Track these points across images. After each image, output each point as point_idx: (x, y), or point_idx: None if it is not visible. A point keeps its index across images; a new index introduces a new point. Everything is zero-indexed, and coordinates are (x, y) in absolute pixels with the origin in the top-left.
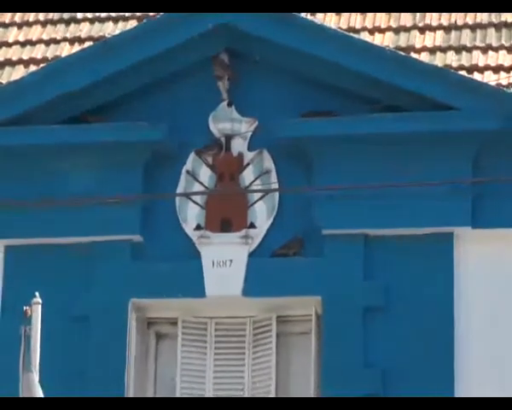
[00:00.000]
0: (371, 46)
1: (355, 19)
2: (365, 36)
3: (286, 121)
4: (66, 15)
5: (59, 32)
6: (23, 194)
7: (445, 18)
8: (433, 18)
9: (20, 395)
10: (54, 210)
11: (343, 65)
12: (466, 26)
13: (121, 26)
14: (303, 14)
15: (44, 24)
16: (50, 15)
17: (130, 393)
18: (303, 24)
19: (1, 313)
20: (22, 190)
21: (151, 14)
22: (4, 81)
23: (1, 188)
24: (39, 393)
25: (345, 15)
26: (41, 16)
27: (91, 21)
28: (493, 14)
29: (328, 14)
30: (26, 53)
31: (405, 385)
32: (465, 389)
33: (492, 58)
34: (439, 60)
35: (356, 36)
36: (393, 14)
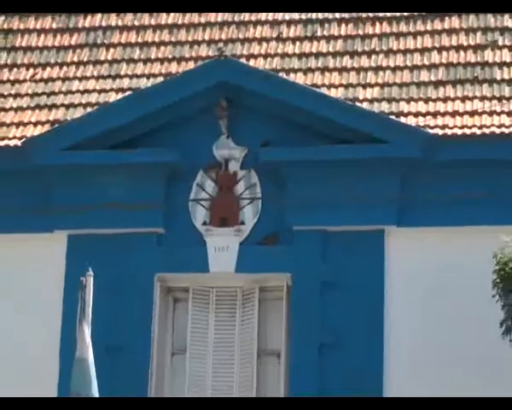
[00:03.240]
0: (328, 97)
1: (317, 77)
2: (324, 90)
3: (267, 149)
4: (113, 72)
5: (107, 84)
6: (81, 198)
7: (381, 77)
8: (372, 77)
9: (77, 339)
10: (102, 210)
11: (308, 110)
12: (395, 84)
13: (152, 81)
14: (280, 74)
15: (97, 78)
16: (102, 71)
17: (155, 340)
18: (280, 81)
19: (65, 283)
20: (81, 194)
21: (173, 71)
22: (69, 118)
23: (65, 194)
24: (88, 338)
25: (309, 75)
26: (95, 72)
27: (131, 77)
28: (415, 75)
29: (298, 74)
30: (84, 98)
31: (350, 337)
32: (392, 342)
33: (413, 107)
34: (375, 107)
35: (317, 89)
36: (344, 75)
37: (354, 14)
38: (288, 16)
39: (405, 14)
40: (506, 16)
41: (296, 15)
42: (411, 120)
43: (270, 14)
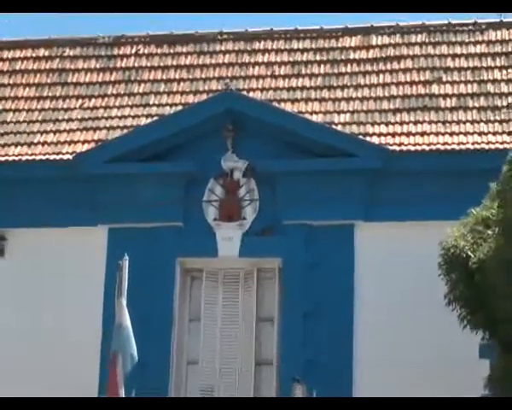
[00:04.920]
0: (310, 121)
1: (302, 106)
2: (307, 115)
3: (262, 162)
4: (143, 102)
5: (139, 111)
6: (119, 199)
7: (351, 106)
8: (344, 106)
9: (116, 309)
10: (135, 209)
11: (295, 131)
12: (362, 111)
13: (173, 109)
14: (273, 104)
15: (131, 107)
16: (135, 101)
17: (176, 309)
18: (273, 108)
19: (106, 266)
20: (119, 196)
21: (190, 101)
22: (109, 138)
23: (106, 196)
24: (125, 308)
25: (296, 104)
26: (129, 102)
27: (157, 106)
28: (377, 104)
29: (287, 103)
30: (121, 122)
31: (328, 307)
32: (360, 310)
33: (376, 129)
34: (347, 129)
35: (302, 115)
36: (323, 104)
37: (330, 57)
38: (279, 58)
39: (370, 56)
40: (449, 58)
41: (285, 57)
42: (375, 139)
43: (266, 57)
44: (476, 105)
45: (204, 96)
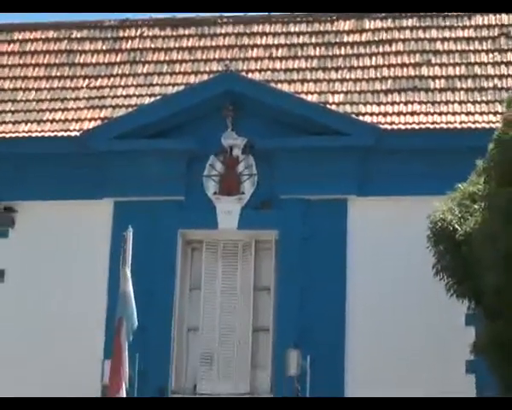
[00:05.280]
0: (306, 101)
1: (298, 87)
2: (303, 95)
3: (260, 139)
4: (147, 82)
5: (143, 91)
6: (124, 174)
7: (345, 87)
8: (338, 87)
9: (120, 278)
10: (139, 183)
11: (291, 110)
12: (355, 91)
13: (176, 89)
14: (270, 84)
15: (136, 86)
16: (139, 81)
17: (178, 279)
18: (270, 89)
19: (111, 237)
20: (124, 171)
21: (191, 82)
22: (115, 116)
23: (112, 171)
24: (129, 277)
25: (292, 85)
26: (134, 82)
27: (160, 86)
28: (370, 85)
29: (284, 84)
30: (126, 101)
31: (321, 278)
32: (352, 281)
33: (369, 108)
34: (341, 109)
35: (298, 95)
36: (318, 85)
37: (325, 40)
38: (276, 41)
39: (363, 40)
40: (438, 42)
41: (282, 40)
42: (367, 119)
43: (264, 40)
44: (464, 86)
45: (205, 77)
